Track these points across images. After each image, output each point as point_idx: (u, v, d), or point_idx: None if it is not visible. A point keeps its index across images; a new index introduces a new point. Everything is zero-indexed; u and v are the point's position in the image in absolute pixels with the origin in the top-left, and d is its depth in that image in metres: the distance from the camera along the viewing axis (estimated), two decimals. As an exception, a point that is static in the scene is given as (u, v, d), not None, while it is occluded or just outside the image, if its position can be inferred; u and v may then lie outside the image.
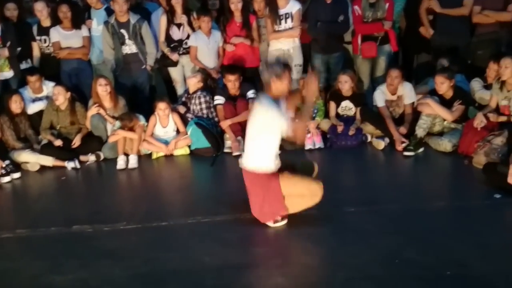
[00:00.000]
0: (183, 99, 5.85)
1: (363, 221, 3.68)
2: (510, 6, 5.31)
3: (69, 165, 5.32)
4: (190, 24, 5.90)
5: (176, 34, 5.93)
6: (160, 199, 4.51)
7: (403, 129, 5.23)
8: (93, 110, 5.56)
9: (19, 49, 5.93)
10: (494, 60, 4.97)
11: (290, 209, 3.59)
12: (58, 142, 5.43)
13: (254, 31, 5.87)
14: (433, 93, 5.23)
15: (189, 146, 5.55)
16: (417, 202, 3.94)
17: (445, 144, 4.96)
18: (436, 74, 5.16)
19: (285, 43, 5.79)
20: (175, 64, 6.00)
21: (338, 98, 5.63)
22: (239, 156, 5.27)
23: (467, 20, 5.54)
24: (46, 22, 6.01)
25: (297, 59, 5.85)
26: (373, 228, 3.55)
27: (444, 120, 5.12)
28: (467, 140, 4.78)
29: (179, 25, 5.91)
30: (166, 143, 5.53)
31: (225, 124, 5.52)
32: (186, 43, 5.95)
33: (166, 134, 5.62)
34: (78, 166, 5.35)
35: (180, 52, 5.98)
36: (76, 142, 5.46)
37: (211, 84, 5.95)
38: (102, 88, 5.50)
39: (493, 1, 5.35)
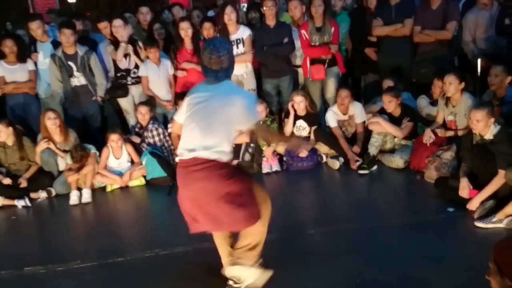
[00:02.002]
0: (136, 129, 5.76)
1: (323, 242, 3.71)
2: (449, 25, 5.54)
3: (19, 203, 5.11)
4: (136, 53, 5.86)
5: (122, 63, 5.86)
6: (116, 234, 4.38)
7: (356, 148, 5.34)
8: (42, 145, 5.39)
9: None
10: (438, 77, 5.16)
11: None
12: (6, 181, 5.21)
13: (205, 59, 5.86)
14: (382, 111, 5.37)
15: (145, 176, 5.45)
16: (374, 220, 4.00)
17: (397, 161, 5.08)
18: (382, 94, 5.31)
19: (238, 69, 5.71)
20: (125, 94, 5.93)
21: (293, 117, 5.67)
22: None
23: (408, 40, 5.74)
24: (-12, 57, 5.84)
25: (250, 84, 5.90)
26: (333, 249, 3.57)
27: (395, 137, 5.25)
28: (418, 156, 4.91)
29: (125, 55, 5.85)
30: (120, 174, 5.41)
31: (180, 152, 5.45)
32: (134, 73, 5.90)
33: (120, 165, 5.50)
34: (29, 204, 5.14)
35: (129, 82, 5.92)
36: (22, 183, 5.25)
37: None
38: (51, 122, 5.35)
39: (432, 21, 5.57)
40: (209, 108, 2.86)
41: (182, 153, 2.89)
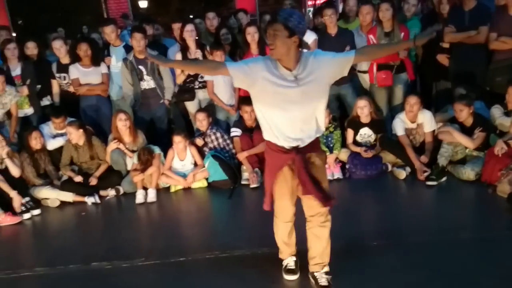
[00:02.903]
0: (199, 134, 5.86)
1: (385, 255, 3.59)
2: (528, 32, 5.24)
3: (89, 200, 5.35)
4: (204, 58, 5.95)
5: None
6: (178, 234, 4.48)
7: (424, 158, 5.14)
8: (112, 146, 5.61)
9: (38, 86, 6.08)
10: (513, 86, 4.89)
11: None
12: (78, 179, 5.47)
13: (271, 63, 5.89)
14: (453, 120, 5.15)
15: (207, 179, 5.54)
16: (441, 233, 3.84)
17: (468, 173, 4.85)
18: (454, 102, 5.10)
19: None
20: (191, 98, 6.05)
21: (357, 125, 5.56)
22: (256, 188, 5.26)
23: (483, 47, 5.48)
24: (65, 60, 6.14)
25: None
26: (396, 262, 3.46)
27: (466, 148, 5.03)
28: (489, 168, 4.66)
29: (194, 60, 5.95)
30: (184, 176, 5.53)
31: (242, 156, 5.50)
32: (201, 77, 6.00)
33: (184, 167, 5.62)
34: (98, 201, 5.36)
35: (196, 86, 6.04)
36: (93, 181, 5.47)
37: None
38: (122, 123, 5.56)
39: (509, 27, 5.27)
40: None
41: None
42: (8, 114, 5.82)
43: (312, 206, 3.06)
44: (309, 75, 2.79)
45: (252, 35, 5.76)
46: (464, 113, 4.99)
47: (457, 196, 4.73)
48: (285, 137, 2.94)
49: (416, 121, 5.37)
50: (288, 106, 2.83)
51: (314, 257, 3.22)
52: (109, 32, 6.07)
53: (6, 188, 5.14)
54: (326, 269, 3.24)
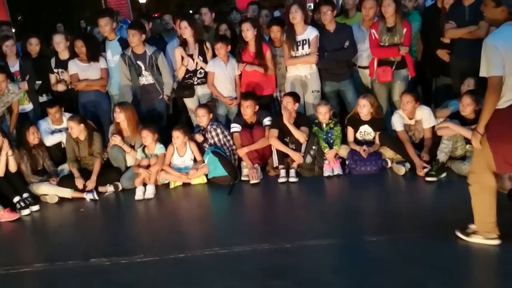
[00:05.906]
0: (200, 129, 5.84)
1: (384, 251, 3.58)
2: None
3: (88, 196, 5.34)
4: (203, 54, 5.91)
5: (190, 64, 5.91)
6: (177, 230, 4.48)
7: (426, 156, 5.09)
8: (114, 139, 5.58)
9: (38, 82, 6.06)
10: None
11: None
12: (80, 184, 5.38)
13: (268, 61, 5.83)
14: (453, 116, 5.12)
15: (206, 175, 5.52)
16: (441, 230, 3.81)
17: (468, 169, 4.82)
18: (464, 94, 5.02)
19: (302, 69, 5.78)
20: (191, 95, 6.02)
21: (356, 123, 5.55)
22: (256, 184, 5.25)
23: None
24: (64, 55, 6.11)
25: (314, 85, 5.83)
26: (395, 259, 3.45)
27: (467, 143, 5.00)
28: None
29: (192, 56, 5.92)
30: (185, 171, 5.51)
31: (242, 152, 5.48)
32: (200, 73, 5.95)
33: (184, 163, 5.61)
34: (97, 197, 5.35)
35: (195, 83, 6.00)
36: (89, 186, 5.40)
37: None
38: (116, 115, 5.56)
39: (511, 22, 5.25)
40: None
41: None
42: (8, 109, 5.79)
43: None
44: None
45: (245, 32, 5.71)
46: (469, 109, 4.90)
47: (456, 192, 4.67)
48: None
49: (414, 117, 5.34)
50: None
51: None
52: (103, 25, 6.00)
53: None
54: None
